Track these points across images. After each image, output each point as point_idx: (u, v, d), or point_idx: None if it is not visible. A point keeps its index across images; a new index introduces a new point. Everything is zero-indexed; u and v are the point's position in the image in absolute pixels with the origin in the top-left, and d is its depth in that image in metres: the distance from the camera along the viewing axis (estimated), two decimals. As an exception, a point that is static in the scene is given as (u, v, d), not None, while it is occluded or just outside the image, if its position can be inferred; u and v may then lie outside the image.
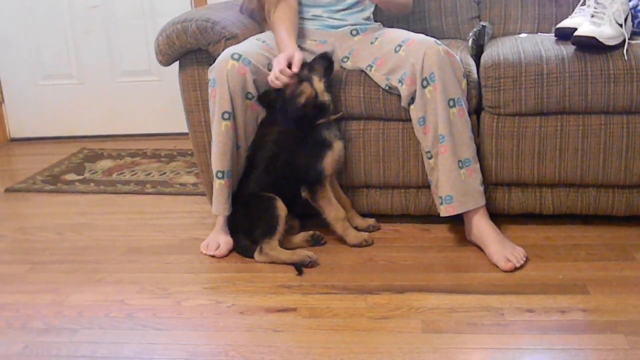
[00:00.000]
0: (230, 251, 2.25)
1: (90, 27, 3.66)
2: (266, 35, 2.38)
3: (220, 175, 2.21)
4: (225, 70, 2.14)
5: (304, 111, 2.15)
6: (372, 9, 2.49)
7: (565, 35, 2.29)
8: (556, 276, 1.99)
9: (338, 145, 2.21)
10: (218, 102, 2.16)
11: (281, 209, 2.16)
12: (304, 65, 2.17)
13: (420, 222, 2.38)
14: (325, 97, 2.20)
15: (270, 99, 2.19)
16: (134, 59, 3.67)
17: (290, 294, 1.99)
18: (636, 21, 2.33)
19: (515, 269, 2.03)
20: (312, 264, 2.13)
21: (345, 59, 2.39)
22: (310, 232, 2.27)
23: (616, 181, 2.21)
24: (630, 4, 2.33)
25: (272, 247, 2.15)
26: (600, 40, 2.13)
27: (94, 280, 2.15)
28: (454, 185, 2.11)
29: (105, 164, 3.32)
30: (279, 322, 1.84)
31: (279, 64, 2.11)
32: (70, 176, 3.17)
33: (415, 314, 1.84)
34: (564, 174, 2.22)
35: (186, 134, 2.55)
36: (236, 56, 2.16)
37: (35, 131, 3.85)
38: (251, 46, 2.26)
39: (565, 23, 2.34)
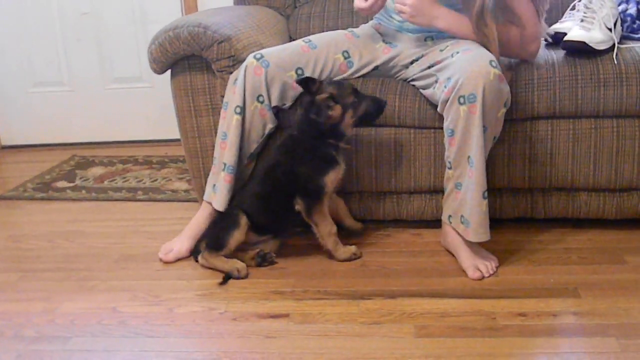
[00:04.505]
0: (178, 260, 2.26)
1: (81, 34, 3.65)
2: (318, 36, 2.36)
3: (222, 167, 2.23)
4: (244, 67, 2.18)
5: (318, 123, 2.09)
6: None
7: (555, 40, 2.31)
8: (548, 280, 2.00)
9: (342, 165, 2.16)
10: (235, 96, 2.19)
11: (239, 234, 2.14)
12: (355, 93, 2.14)
13: (412, 227, 2.38)
14: (348, 131, 2.16)
15: (309, 85, 2.11)
16: (125, 66, 3.66)
17: (282, 300, 1.98)
18: (625, 25, 2.34)
19: (483, 278, 2.03)
20: (239, 277, 2.11)
21: (413, 62, 2.31)
22: (256, 251, 2.21)
23: (607, 185, 2.22)
24: (620, 8, 2.34)
25: (212, 256, 2.16)
26: (590, 44, 2.15)
27: (85, 287, 2.14)
28: (473, 214, 2.04)
29: (97, 171, 3.31)
30: (271, 328, 1.84)
31: None
32: (62, 183, 3.16)
33: (408, 318, 1.85)
34: (554, 178, 2.23)
35: (178, 140, 2.55)
36: (258, 56, 2.19)
37: (26, 138, 3.84)
38: (284, 48, 2.27)
39: (555, 28, 2.36)
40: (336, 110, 2.09)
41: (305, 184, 2.14)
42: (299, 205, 2.15)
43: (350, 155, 2.27)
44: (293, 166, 2.15)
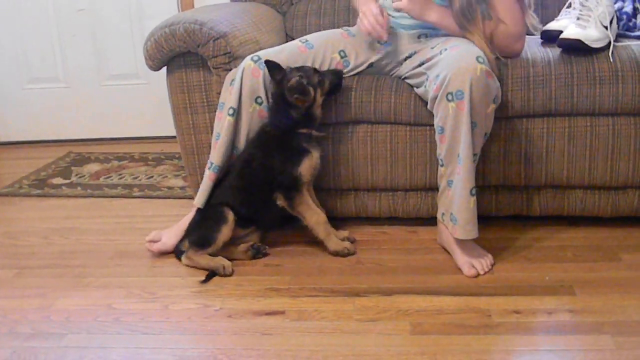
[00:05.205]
0: (163, 253, 2.27)
1: (77, 30, 3.64)
2: (315, 35, 2.37)
3: (209, 165, 2.23)
4: (242, 69, 2.18)
5: (294, 109, 2.13)
6: None
7: (551, 37, 2.31)
8: (543, 277, 2.00)
9: (315, 154, 2.18)
10: (231, 97, 2.18)
11: (227, 230, 2.14)
12: (316, 72, 2.17)
13: (408, 224, 2.38)
14: (318, 112, 2.18)
15: (276, 73, 2.15)
16: (121, 62, 3.65)
17: (278, 297, 1.98)
18: (621, 23, 2.34)
19: (478, 275, 2.03)
20: (225, 274, 2.11)
21: (406, 59, 2.31)
22: (249, 244, 2.23)
23: (602, 182, 2.22)
24: (616, 6, 2.34)
25: (197, 254, 2.16)
26: (586, 42, 2.15)
27: (81, 284, 2.14)
28: (461, 210, 2.04)
29: (92, 167, 3.31)
30: (267, 325, 1.84)
31: (375, 8, 2.16)
32: (57, 180, 3.15)
33: (403, 316, 1.85)
34: (550, 176, 2.23)
35: (174, 137, 2.55)
36: (255, 58, 2.18)
37: (21, 135, 3.83)
38: (281, 50, 2.27)
39: (551, 26, 2.36)
40: (311, 91, 2.12)
41: (281, 177, 2.15)
42: (280, 201, 2.16)
43: (326, 143, 2.27)
44: (267, 160, 2.16)
